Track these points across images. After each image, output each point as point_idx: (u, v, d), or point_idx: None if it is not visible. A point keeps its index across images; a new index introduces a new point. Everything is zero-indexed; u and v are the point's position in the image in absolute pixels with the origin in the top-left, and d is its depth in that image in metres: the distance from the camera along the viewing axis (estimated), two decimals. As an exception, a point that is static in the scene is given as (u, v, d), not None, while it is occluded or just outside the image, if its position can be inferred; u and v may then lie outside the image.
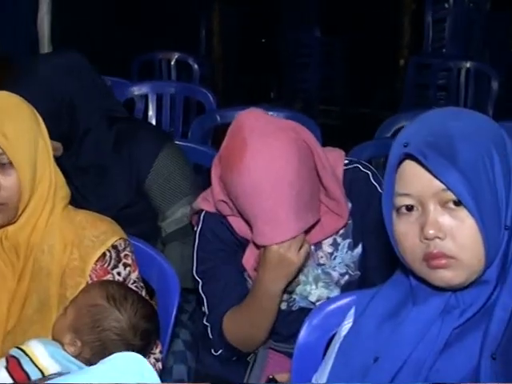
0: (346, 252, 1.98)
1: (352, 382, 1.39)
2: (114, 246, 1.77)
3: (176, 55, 5.68)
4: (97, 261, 1.75)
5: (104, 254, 1.75)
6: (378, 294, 1.47)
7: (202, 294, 2.00)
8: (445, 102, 6.03)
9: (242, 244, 2.00)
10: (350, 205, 1.97)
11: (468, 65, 5.78)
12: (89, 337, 1.63)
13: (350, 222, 1.98)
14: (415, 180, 1.32)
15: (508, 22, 6.96)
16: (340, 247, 1.98)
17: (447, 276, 1.31)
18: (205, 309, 2.00)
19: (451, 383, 1.30)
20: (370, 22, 8.12)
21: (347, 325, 1.50)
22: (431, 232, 1.30)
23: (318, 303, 1.96)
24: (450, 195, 1.29)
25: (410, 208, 1.34)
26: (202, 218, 2.02)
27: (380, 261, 1.96)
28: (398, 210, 1.35)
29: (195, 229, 2.04)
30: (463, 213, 1.29)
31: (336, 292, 1.97)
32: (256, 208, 1.81)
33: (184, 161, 2.40)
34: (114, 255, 1.77)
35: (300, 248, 1.85)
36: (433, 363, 1.32)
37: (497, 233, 1.30)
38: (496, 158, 1.31)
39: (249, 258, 1.96)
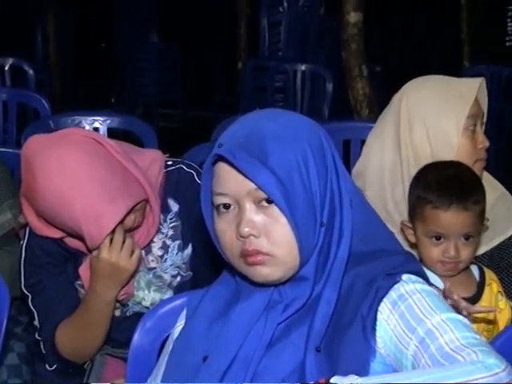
0: (177, 253, 2.00)
1: (184, 382, 1.40)
2: None
3: (10, 61, 5.56)
4: None
5: None
6: (208, 293, 1.49)
7: (33, 308, 1.97)
8: (283, 103, 6.18)
9: (72, 254, 1.98)
10: (177, 206, 2.00)
11: (304, 67, 5.96)
12: None
13: (178, 223, 2.00)
14: (230, 180, 1.35)
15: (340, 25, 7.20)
16: (170, 249, 2.00)
17: (264, 272, 1.34)
18: (36, 323, 1.98)
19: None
20: (207, 26, 8.20)
21: (179, 326, 1.51)
22: (246, 230, 1.33)
23: (151, 307, 1.97)
24: (263, 194, 1.32)
25: (227, 206, 1.36)
26: (27, 231, 2.00)
27: (210, 259, 1.99)
28: (217, 208, 1.38)
29: (22, 242, 2.01)
30: (276, 211, 1.33)
31: (169, 294, 1.98)
32: (72, 216, 1.81)
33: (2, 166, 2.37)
34: None
35: (131, 254, 1.86)
36: (260, 359, 1.35)
37: (311, 230, 1.34)
38: (311, 158, 1.35)
39: (86, 267, 1.94)
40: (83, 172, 1.80)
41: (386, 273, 1.35)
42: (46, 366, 1.98)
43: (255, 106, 6.13)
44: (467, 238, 1.78)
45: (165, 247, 1.99)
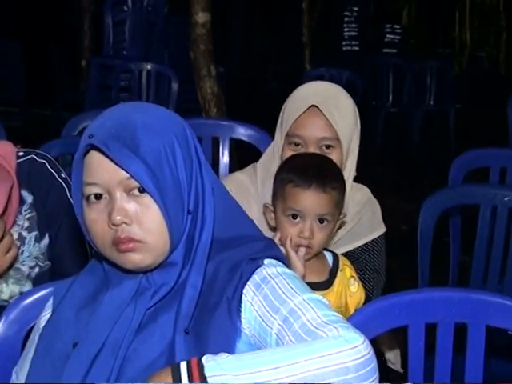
0: (34, 245, 1.99)
1: (53, 369, 1.42)
2: None
3: None
4: None
5: None
6: (75, 282, 1.52)
7: None
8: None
9: None
10: (31, 197, 1.99)
11: (149, 66, 5.96)
12: None
13: (34, 214, 1.99)
14: (101, 170, 1.38)
15: (184, 25, 7.25)
16: (27, 241, 1.99)
17: (136, 259, 1.38)
18: None
19: None
20: (51, 22, 8.06)
21: (46, 316, 1.53)
22: (118, 218, 1.37)
23: (11, 300, 1.95)
24: (135, 183, 1.37)
25: (98, 196, 1.39)
26: None
27: (67, 247, 2.01)
28: (87, 198, 1.41)
29: None
30: (147, 199, 1.38)
31: (28, 286, 1.98)
32: None
33: None
34: None
35: (7, 252, 1.85)
36: (130, 344, 1.39)
37: (180, 217, 1.40)
38: (178, 149, 1.41)
39: None
40: None
41: (248, 258, 1.43)
42: None
43: (100, 105, 6.09)
44: (322, 221, 1.87)
45: (21, 239, 1.97)
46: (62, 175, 2.03)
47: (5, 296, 1.97)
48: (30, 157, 2.00)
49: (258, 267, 1.41)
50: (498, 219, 2.53)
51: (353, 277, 1.99)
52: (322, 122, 2.10)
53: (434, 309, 1.70)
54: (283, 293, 1.36)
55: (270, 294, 1.37)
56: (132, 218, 1.38)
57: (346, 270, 1.98)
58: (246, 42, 10.31)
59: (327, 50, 10.37)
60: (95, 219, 1.40)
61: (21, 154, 2.00)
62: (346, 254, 2.15)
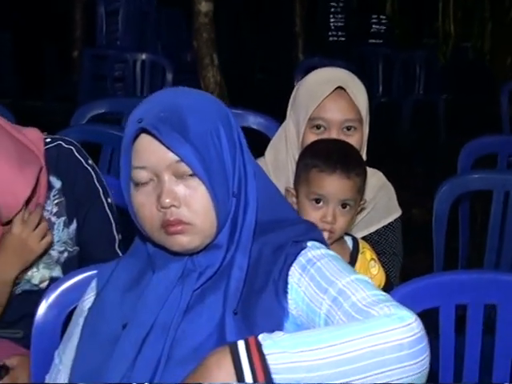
0: (63, 230, 2.01)
1: (101, 351, 1.44)
2: None
3: None
4: None
5: None
6: (119, 265, 1.54)
7: None
8: (122, 92, 6.16)
9: None
10: (60, 183, 2.01)
11: (144, 57, 5.96)
12: None
13: (62, 199, 2.01)
14: (150, 153, 1.40)
15: (178, 16, 7.27)
16: (55, 226, 2.01)
17: (184, 241, 1.41)
18: None
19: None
20: (42, 12, 8.02)
21: (89, 298, 1.54)
22: (167, 201, 1.39)
23: (41, 284, 1.98)
24: (184, 166, 1.39)
25: (146, 180, 1.41)
26: None
27: (94, 232, 2.03)
28: (135, 182, 1.43)
29: None
30: (195, 182, 1.40)
31: (57, 270, 2.00)
32: None
33: None
34: None
35: (43, 238, 1.86)
36: (178, 325, 1.41)
37: (226, 200, 1.43)
38: (222, 132, 1.44)
39: None
40: None
41: (292, 240, 1.45)
42: None
43: (94, 95, 6.09)
44: (344, 206, 1.90)
45: (50, 224, 1.99)
46: (89, 162, 2.05)
47: (35, 280, 1.99)
48: (57, 143, 2.02)
49: (302, 249, 1.44)
50: (510, 205, 2.58)
51: (373, 259, 2.01)
52: (346, 103, 2.13)
53: (464, 290, 1.74)
54: (330, 274, 1.39)
55: (316, 275, 1.39)
56: (181, 200, 1.40)
57: (367, 253, 2.01)
58: (233, 36, 10.30)
59: (314, 41, 10.40)
60: (143, 202, 1.42)
61: (48, 140, 2.02)
62: (363, 239, 2.18)
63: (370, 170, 2.28)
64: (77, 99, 6.33)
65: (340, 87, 2.13)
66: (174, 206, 1.39)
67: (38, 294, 1.96)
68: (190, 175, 1.40)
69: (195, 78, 6.08)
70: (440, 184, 2.57)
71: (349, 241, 2.02)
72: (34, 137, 1.99)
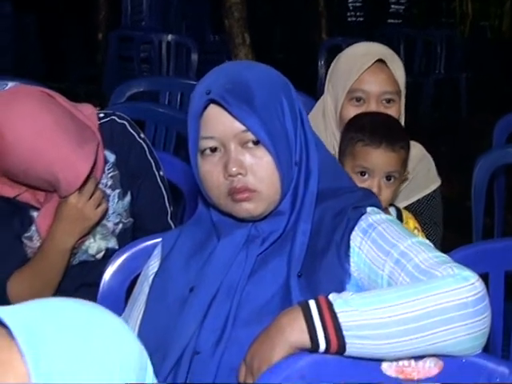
0: (117, 202, 2.07)
1: (169, 314, 1.51)
2: None
3: None
4: None
5: None
6: (183, 232, 1.60)
7: None
8: (148, 73, 6.21)
9: (18, 209, 2.02)
10: (114, 156, 2.07)
11: (169, 38, 6.01)
12: None
13: (116, 172, 2.07)
14: (218, 124, 1.46)
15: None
16: (111, 198, 2.06)
17: (250, 207, 1.47)
18: None
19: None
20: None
21: (154, 264, 1.61)
22: (234, 169, 1.45)
23: (97, 255, 2.04)
24: (250, 136, 1.45)
25: (213, 150, 1.47)
26: None
27: (147, 204, 2.09)
28: (202, 152, 1.49)
29: None
30: (261, 151, 1.46)
31: (113, 241, 2.05)
32: (47, 166, 1.86)
33: None
34: None
35: (98, 206, 1.93)
36: (243, 287, 1.48)
37: (289, 168, 1.49)
38: (285, 104, 1.50)
39: (44, 216, 1.99)
40: (48, 122, 1.85)
41: (352, 206, 1.51)
42: None
43: (120, 77, 6.15)
44: (389, 178, 1.95)
45: (105, 197, 2.05)
46: (141, 135, 2.11)
47: (92, 251, 2.05)
48: (110, 118, 2.08)
49: (362, 214, 1.49)
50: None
51: (416, 228, 2.06)
52: (385, 76, 2.17)
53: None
54: (391, 237, 1.44)
55: (378, 239, 1.45)
56: (247, 168, 1.46)
57: (410, 223, 2.06)
58: (253, 16, 10.32)
59: (333, 21, 10.39)
60: (211, 171, 1.48)
61: (101, 115, 2.08)
62: (405, 209, 2.23)
63: (410, 142, 2.33)
64: (102, 81, 6.39)
65: (379, 60, 2.18)
66: (240, 174, 1.45)
67: (94, 265, 2.04)
68: (256, 145, 1.46)
69: (220, 58, 6.13)
70: (470, 160, 2.62)
71: (392, 211, 2.07)
72: (88, 112, 2.05)
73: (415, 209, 2.28)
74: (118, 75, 6.22)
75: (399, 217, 2.06)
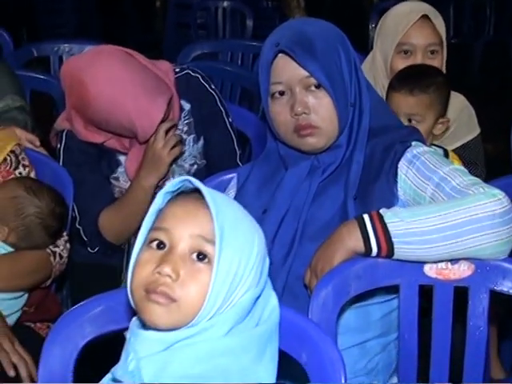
0: (193, 145, 2.38)
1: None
2: (12, 151, 2.05)
3: None
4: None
5: (5, 159, 2.02)
6: (255, 166, 1.88)
7: (72, 202, 2.30)
8: (205, 39, 6.43)
9: (106, 154, 2.33)
10: (189, 105, 2.37)
11: (225, 4, 6.22)
12: (14, 223, 1.91)
13: (191, 119, 2.38)
14: (285, 71, 1.73)
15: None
16: (187, 142, 2.37)
17: (313, 142, 1.74)
18: (75, 214, 2.30)
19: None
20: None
21: (231, 193, 1.89)
22: (299, 109, 1.72)
23: (175, 193, 2.34)
24: (312, 80, 1.72)
25: (281, 93, 1.75)
26: (64, 135, 2.34)
27: (218, 147, 2.40)
28: (272, 95, 1.76)
29: (58, 146, 2.34)
30: (322, 93, 1.73)
31: None
32: (125, 115, 2.17)
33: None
34: (13, 159, 2.04)
35: (172, 148, 2.23)
36: (308, 209, 1.75)
37: (345, 108, 1.75)
38: (342, 52, 1.76)
39: (131, 160, 2.29)
40: (127, 77, 2.17)
41: (399, 140, 1.77)
42: (88, 248, 2.32)
43: (178, 44, 6.37)
44: (410, 121, 2.17)
45: (182, 141, 2.35)
46: (212, 86, 2.41)
47: (171, 188, 2.35)
48: (185, 72, 2.39)
49: (407, 147, 1.76)
50: None
51: None
52: (430, 29, 2.45)
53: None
54: (432, 165, 1.70)
55: (421, 167, 1.71)
56: (310, 108, 1.73)
57: (455, 162, 2.30)
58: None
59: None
60: (279, 111, 1.76)
61: (177, 70, 2.39)
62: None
63: (453, 93, 2.57)
64: (161, 47, 6.64)
65: (424, 16, 2.44)
66: (305, 113, 1.72)
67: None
68: (318, 88, 1.73)
69: (273, 24, 6.34)
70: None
71: (440, 152, 2.33)
72: (165, 67, 2.35)
73: (458, 153, 2.54)
74: (176, 42, 6.44)
75: (446, 156, 2.29)
